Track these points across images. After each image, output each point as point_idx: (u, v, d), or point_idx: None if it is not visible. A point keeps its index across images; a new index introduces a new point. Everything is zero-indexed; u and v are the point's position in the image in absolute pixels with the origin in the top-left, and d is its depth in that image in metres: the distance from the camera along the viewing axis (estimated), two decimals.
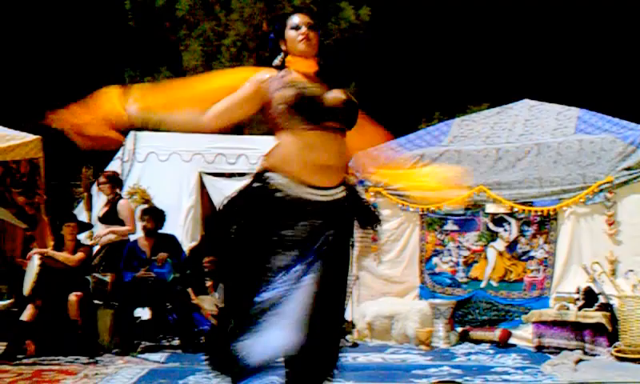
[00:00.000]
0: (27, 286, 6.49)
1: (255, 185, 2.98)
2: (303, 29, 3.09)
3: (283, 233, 2.87)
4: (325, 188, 2.95)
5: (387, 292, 7.61)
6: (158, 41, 15.81)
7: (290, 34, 3.12)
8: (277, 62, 3.16)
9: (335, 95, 3.03)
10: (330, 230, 2.94)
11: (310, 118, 2.93)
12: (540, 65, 14.11)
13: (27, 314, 6.31)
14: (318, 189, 2.93)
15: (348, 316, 7.59)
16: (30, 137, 7.33)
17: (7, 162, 7.39)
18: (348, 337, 7.24)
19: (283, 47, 3.14)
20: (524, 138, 7.47)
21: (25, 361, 5.96)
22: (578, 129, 7.33)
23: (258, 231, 2.89)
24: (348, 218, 3.10)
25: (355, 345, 6.98)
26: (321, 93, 3.01)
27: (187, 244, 8.00)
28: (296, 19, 3.13)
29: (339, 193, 3.02)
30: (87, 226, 7.41)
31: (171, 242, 7.11)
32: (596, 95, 11.92)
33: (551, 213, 6.97)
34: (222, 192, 8.46)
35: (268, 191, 2.92)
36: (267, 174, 2.97)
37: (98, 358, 6.07)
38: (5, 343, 6.23)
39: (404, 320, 7.09)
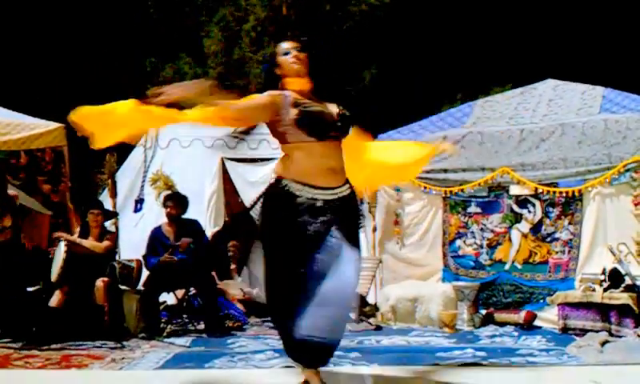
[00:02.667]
0: (55, 273, 6.58)
1: (275, 191, 3.51)
2: (293, 52, 3.64)
3: (306, 229, 3.38)
4: (332, 188, 3.53)
5: (410, 275, 7.60)
6: (177, 27, 15.85)
7: (281, 59, 3.66)
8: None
9: (332, 110, 3.65)
10: (342, 222, 3.49)
11: (313, 132, 3.47)
12: (564, 44, 13.90)
13: (55, 299, 6.41)
14: (327, 189, 3.50)
15: (371, 299, 7.60)
16: (53, 125, 7.40)
17: (32, 150, 7.48)
18: (371, 320, 7.25)
19: (279, 72, 3.66)
20: (548, 119, 7.39)
21: (53, 346, 6.05)
22: (602, 108, 7.23)
23: (283, 230, 3.42)
24: (354, 208, 3.71)
25: (379, 328, 6.99)
26: (321, 109, 3.57)
27: (210, 229, 8.05)
28: (284, 45, 3.70)
29: (345, 190, 3.60)
30: (112, 214, 7.49)
31: (194, 227, 7.16)
32: (621, 73, 11.73)
33: (576, 194, 6.90)
34: (244, 177, 8.50)
35: (287, 196, 3.44)
36: (284, 182, 3.49)
37: (124, 343, 6.15)
38: (33, 329, 6.33)
39: (427, 303, 7.08)
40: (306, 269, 3.32)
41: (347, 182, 3.64)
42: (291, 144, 3.53)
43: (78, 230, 7.03)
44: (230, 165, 8.60)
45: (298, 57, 3.64)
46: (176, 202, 7.09)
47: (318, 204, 3.44)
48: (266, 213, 3.50)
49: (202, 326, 6.98)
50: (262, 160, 8.53)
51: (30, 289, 7.43)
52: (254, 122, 3.67)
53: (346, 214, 3.55)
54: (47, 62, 14.02)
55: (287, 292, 3.39)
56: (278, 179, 3.54)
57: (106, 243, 6.74)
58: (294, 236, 3.38)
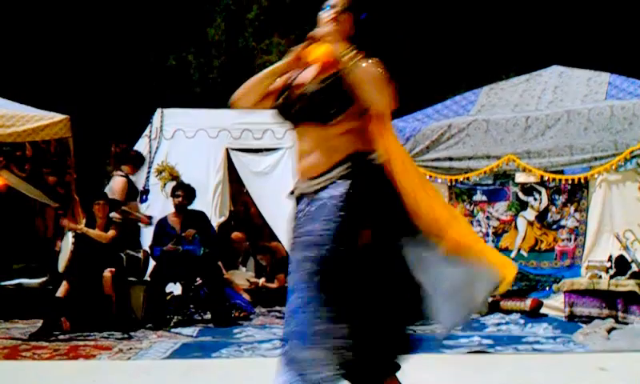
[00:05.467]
0: (62, 263, 6.61)
1: None
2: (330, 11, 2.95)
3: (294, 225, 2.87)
4: (311, 178, 2.81)
5: None
6: (181, 17, 15.81)
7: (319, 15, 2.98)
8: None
9: (304, 89, 2.86)
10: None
11: (287, 119, 2.91)
12: (569, 30, 13.81)
13: (62, 290, 6.43)
14: (308, 180, 2.82)
15: None
16: (58, 117, 7.41)
17: (37, 142, 7.50)
18: None
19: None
20: (554, 106, 7.35)
21: (61, 337, 6.08)
22: (609, 94, 7.19)
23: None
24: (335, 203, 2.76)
25: None
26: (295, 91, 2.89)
27: (216, 220, 8.06)
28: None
29: (322, 182, 2.78)
30: (118, 204, 7.51)
31: (201, 218, 7.17)
32: (627, 59, 11.66)
33: (582, 181, 6.88)
34: (249, 167, 8.50)
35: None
36: None
37: (131, 333, 6.18)
38: (41, 320, 6.36)
39: None
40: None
41: (331, 172, 2.79)
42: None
43: (83, 221, 7.05)
44: (234, 155, 8.60)
45: (334, 17, 2.89)
46: (185, 192, 7.11)
47: (300, 197, 2.85)
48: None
49: (208, 316, 7.00)
50: (267, 150, 8.52)
51: (34, 281, 7.48)
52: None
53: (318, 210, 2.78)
54: (51, 53, 14.01)
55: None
56: None
57: (111, 233, 6.76)
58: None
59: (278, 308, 7.39)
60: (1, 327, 6.61)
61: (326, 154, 2.79)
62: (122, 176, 7.57)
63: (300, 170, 2.86)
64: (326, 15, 2.92)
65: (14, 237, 8.04)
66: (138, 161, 7.94)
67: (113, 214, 6.98)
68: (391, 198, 2.77)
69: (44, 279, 7.40)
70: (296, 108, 2.84)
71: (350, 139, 2.80)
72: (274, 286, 8.18)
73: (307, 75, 2.90)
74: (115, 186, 7.46)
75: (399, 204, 2.78)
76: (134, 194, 7.68)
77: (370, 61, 2.82)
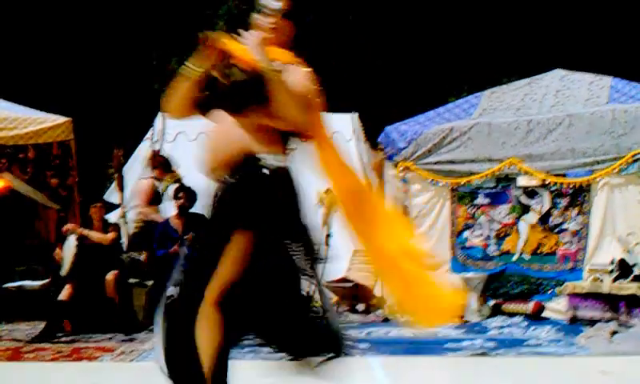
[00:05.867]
0: (65, 266, 6.61)
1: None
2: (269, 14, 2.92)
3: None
4: (217, 173, 2.85)
5: None
6: (183, 20, 15.83)
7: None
8: None
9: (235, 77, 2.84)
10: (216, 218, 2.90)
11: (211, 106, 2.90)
12: (571, 33, 13.83)
13: (65, 293, 6.44)
14: (215, 174, 2.87)
15: (378, 291, 7.60)
16: (61, 119, 7.43)
17: (40, 144, 7.51)
18: (379, 312, 7.25)
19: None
20: (555, 109, 7.36)
21: (63, 339, 6.08)
22: (611, 98, 7.20)
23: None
24: (235, 204, 2.79)
25: (386, 320, 6.99)
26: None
27: None
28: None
29: (229, 178, 2.80)
30: (114, 206, 7.54)
31: (202, 221, 7.16)
32: (629, 63, 11.67)
33: (584, 184, 6.88)
34: None
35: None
36: None
37: (134, 335, 6.18)
38: (44, 323, 6.37)
39: None
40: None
41: (240, 168, 2.77)
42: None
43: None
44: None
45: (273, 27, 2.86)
46: (187, 194, 7.12)
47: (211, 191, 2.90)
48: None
49: None
50: None
51: (36, 283, 7.48)
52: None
53: (222, 210, 2.85)
54: (54, 56, 14.03)
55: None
56: None
57: (112, 234, 6.80)
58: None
59: None
60: (3, 329, 6.62)
61: (229, 147, 2.79)
62: (148, 179, 7.59)
63: (210, 158, 2.88)
64: (263, 20, 2.89)
65: (15, 239, 8.05)
66: (166, 165, 7.94)
67: (109, 216, 6.99)
68: (279, 206, 2.78)
69: (46, 281, 7.39)
70: (219, 94, 2.83)
71: (253, 138, 2.77)
72: None
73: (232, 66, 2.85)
74: (140, 188, 7.44)
75: (291, 211, 2.83)
76: (158, 198, 7.69)
77: (303, 70, 2.82)
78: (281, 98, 2.70)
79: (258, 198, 2.73)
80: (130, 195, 7.40)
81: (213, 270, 2.74)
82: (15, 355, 5.40)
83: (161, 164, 7.82)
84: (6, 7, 13.70)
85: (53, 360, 5.25)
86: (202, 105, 2.90)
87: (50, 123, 7.32)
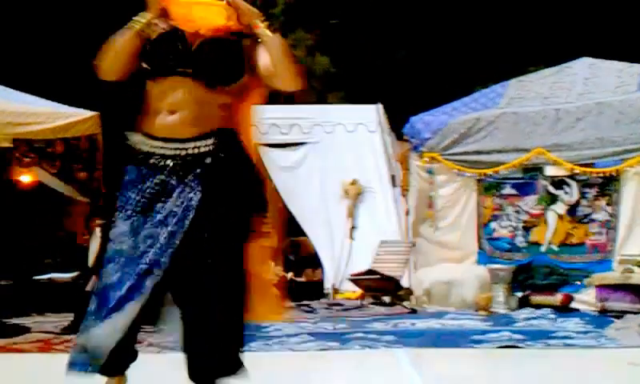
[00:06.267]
0: (92, 258, 6.69)
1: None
2: None
3: (129, 195, 2.54)
4: (179, 140, 2.50)
5: (444, 258, 7.55)
6: None
7: None
8: None
9: (195, 38, 2.55)
10: (190, 192, 2.48)
11: (153, 65, 2.58)
12: (599, 20, 13.61)
13: (91, 284, 6.50)
14: (170, 141, 2.51)
15: (405, 283, 7.58)
16: (88, 114, 7.51)
17: (68, 138, 7.60)
18: (406, 303, 7.24)
19: None
20: (584, 98, 7.26)
21: None
22: None
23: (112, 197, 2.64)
24: (221, 177, 2.52)
25: (413, 311, 6.97)
26: (173, 33, 2.57)
27: None
28: None
29: (203, 146, 2.51)
30: None
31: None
32: None
33: (613, 174, 6.79)
34: (276, 163, 8.51)
35: (126, 150, 2.59)
36: (127, 133, 2.61)
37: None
38: (72, 314, 6.45)
39: (462, 286, 7.04)
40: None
41: (215, 135, 2.53)
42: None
43: None
44: (261, 150, 8.61)
45: None
46: None
47: (153, 160, 2.51)
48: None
49: None
50: (294, 145, 8.53)
51: (66, 275, 7.58)
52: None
53: (197, 183, 2.48)
54: (82, 51, 14.18)
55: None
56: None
57: None
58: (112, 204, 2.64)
59: (306, 302, 7.40)
60: (34, 321, 6.71)
61: (200, 118, 2.51)
62: None
63: (161, 124, 2.51)
64: None
65: (45, 232, 8.17)
66: None
67: None
68: (249, 183, 2.61)
69: (75, 274, 7.49)
70: (181, 59, 2.50)
71: (225, 113, 2.58)
72: (302, 280, 8.20)
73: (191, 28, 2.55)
74: None
75: (256, 190, 2.65)
76: None
77: (277, 34, 2.59)
78: (276, 58, 2.51)
79: (243, 176, 2.59)
80: None
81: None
82: (45, 347, 5.48)
83: None
84: (33, 4, 13.87)
85: None
86: (149, 67, 2.56)
87: (78, 118, 7.40)
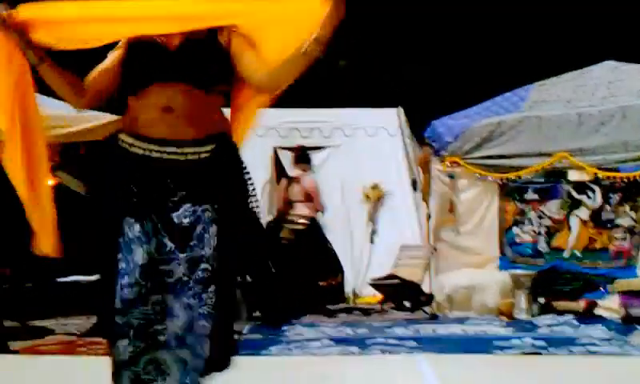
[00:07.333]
0: None
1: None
2: None
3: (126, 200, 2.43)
4: (174, 142, 2.39)
5: (466, 263, 7.50)
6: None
7: None
8: None
9: (172, 41, 2.44)
10: (184, 200, 2.39)
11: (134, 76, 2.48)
12: (623, 23, 13.49)
13: None
14: (166, 143, 2.39)
15: (426, 288, 7.55)
16: (109, 117, 7.57)
17: (90, 141, 7.68)
18: (427, 309, 7.21)
19: None
20: (607, 101, 7.19)
21: None
22: None
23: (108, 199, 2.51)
24: (215, 186, 2.47)
25: (435, 316, 6.94)
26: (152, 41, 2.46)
27: (264, 218, 8.11)
28: None
29: (203, 152, 2.43)
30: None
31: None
32: None
33: (638, 178, 6.71)
34: None
35: (117, 151, 2.49)
36: (120, 134, 2.51)
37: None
38: (96, 316, 6.51)
39: (484, 291, 7.00)
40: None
41: (215, 140, 2.46)
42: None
43: None
44: (282, 154, 8.64)
45: None
46: None
47: (147, 164, 2.41)
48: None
49: (257, 313, 7.05)
50: (315, 148, 8.54)
51: (90, 277, 7.64)
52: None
53: (192, 191, 2.40)
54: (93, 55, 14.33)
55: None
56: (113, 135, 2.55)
57: None
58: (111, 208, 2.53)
59: (327, 306, 7.41)
60: (58, 323, 6.79)
61: (197, 120, 2.42)
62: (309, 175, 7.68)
63: (156, 127, 2.39)
64: None
65: (67, 234, 8.25)
66: (310, 159, 8.00)
67: None
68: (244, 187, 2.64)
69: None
70: (165, 64, 2.39)
71: (218, 115, 2.53)
72: (323, 284, 8.19)
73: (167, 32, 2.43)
74: (313, 186, 7.55)
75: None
76: None
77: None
78: (294, 72, 2.39)
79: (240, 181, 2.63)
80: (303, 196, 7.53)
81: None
82: (69, 349, 5.53)
83: (308, 159, 7.85)
84: None
85: (105, 354, 5.35)
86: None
87: (103, 121, 7.47)
